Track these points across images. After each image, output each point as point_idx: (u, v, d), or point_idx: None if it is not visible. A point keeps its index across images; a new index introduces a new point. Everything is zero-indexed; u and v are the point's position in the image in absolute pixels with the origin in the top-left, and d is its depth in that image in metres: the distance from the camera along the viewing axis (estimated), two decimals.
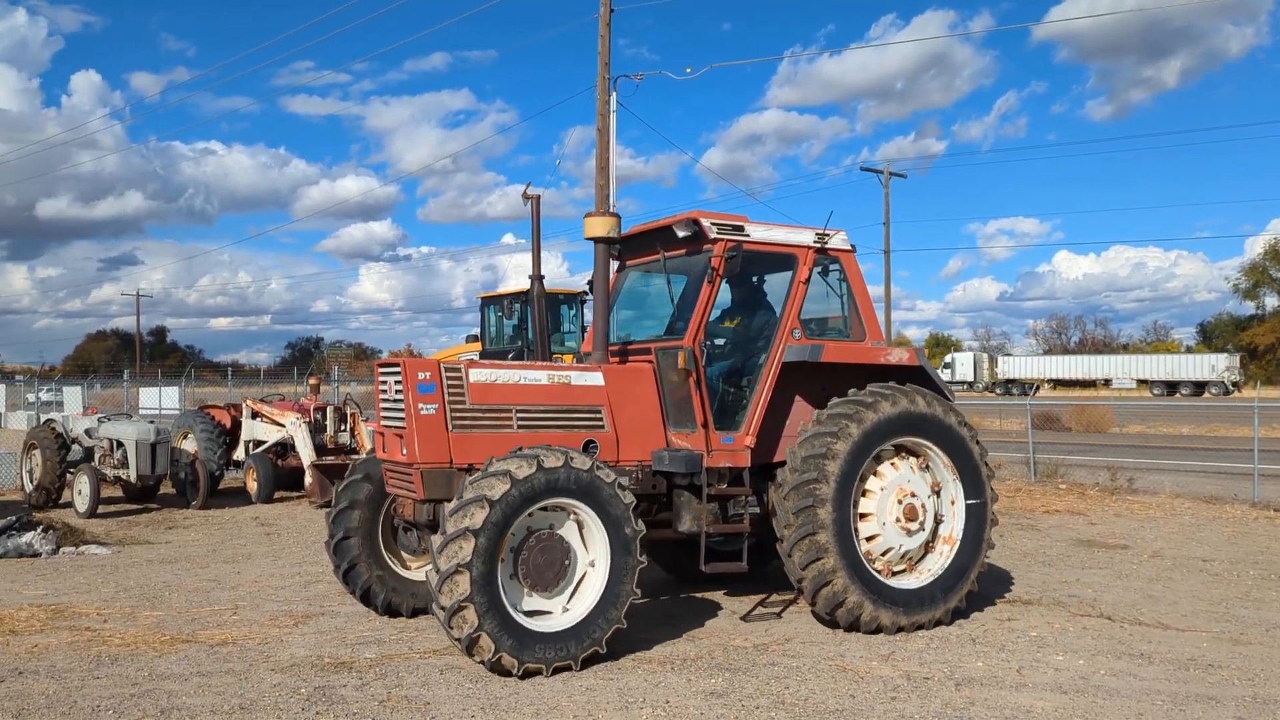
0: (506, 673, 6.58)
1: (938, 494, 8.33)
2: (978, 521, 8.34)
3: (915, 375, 8.56)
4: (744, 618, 8.46)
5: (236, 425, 18.18)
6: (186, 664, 7.12)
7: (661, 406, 8.15)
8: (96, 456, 16.09)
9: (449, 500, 6.91)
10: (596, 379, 7.96)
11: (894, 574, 8.13)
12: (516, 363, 8.09)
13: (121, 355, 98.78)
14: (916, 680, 6.78)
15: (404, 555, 8.58)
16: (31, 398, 43.90)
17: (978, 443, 8.42)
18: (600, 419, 7.89)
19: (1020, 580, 10.15)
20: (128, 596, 9.45)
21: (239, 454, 18.03)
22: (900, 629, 7.89)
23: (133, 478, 15.39)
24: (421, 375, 7.36)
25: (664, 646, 7.59)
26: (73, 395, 42.64)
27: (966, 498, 8.34)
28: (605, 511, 6.95)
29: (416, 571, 8.46)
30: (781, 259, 8.53)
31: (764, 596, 9.18)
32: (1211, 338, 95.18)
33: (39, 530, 11.92)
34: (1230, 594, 9.49)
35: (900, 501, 8.08)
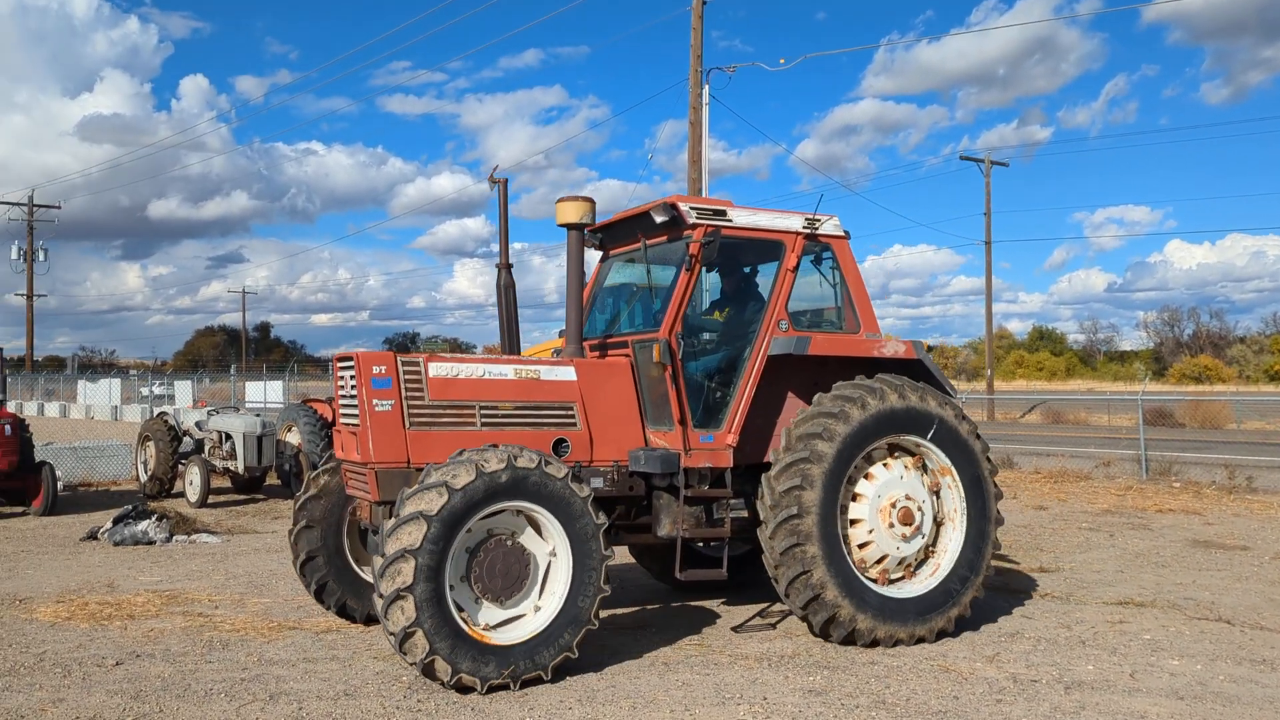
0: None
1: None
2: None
3: (913, 369, 8.09)
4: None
5: None
6: (293, 650, 7.29)
7: (640, 403, 7.69)
8: (206, 448, 16.65)
9: None
10: (568, 374, 7.51)
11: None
12: (481, 356, 7.67)
13: (228, 350, 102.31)
14: (1023, 683, 6.58)
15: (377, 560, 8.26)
16: (145, 391, 45.65)
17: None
18: (572, 416, 7.44)
19: (1132, 581, 9.79)
20: (237, 584, 9.74)
21: None
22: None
23: (240, 469, 15.89)
24: (376, 369, 6.93)
25: (759, 643, 7.52)
26: (184, 389, 44.35)
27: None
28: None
29: None
30: (768, 246, 8.04)
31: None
32: None
33: (154, 519, 12.37)
34: None
35: (894, 505, 7.55)
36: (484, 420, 7.16)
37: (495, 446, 6.49)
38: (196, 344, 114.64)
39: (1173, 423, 34.27)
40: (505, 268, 8.31)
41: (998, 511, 7.92)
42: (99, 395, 48.99)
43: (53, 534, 12.97)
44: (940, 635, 7.55)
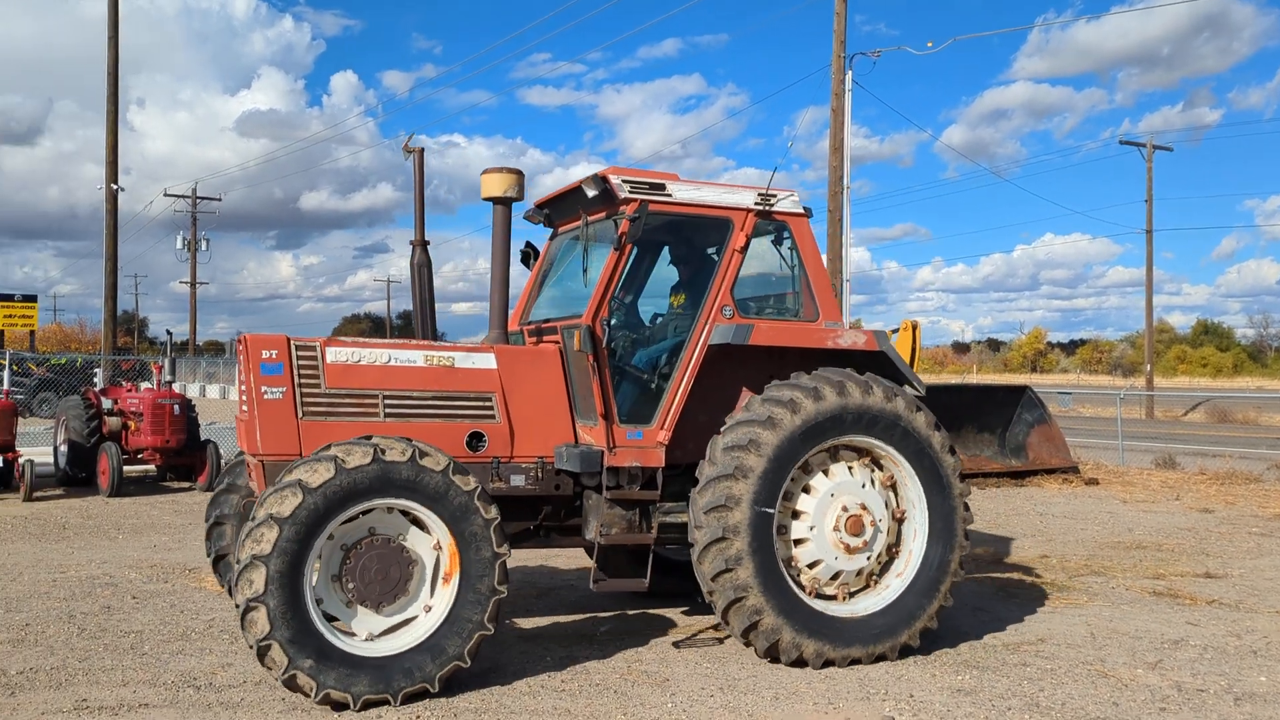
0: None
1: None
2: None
3: (876, 361, 7.33)
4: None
5: None
6: None
7: (569, 395, 7.08)
8: None
9: None
10: (487, 361, 6.91)
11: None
12: (387, 341, 7.10)
13: (374, 337, 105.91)
14: (1189, 692, 6.24)
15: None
16: None
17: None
18: (490, 408, 6.84)
19: None
20: None
21: None
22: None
23: None
24: (266, 354, 6.40)
25: None
26: None
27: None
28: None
29: None
30: (714, 224, 7.33)
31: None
32: None
33: None
34: None
35: (840, 518, 6.77)
36: (388, 411, 6.61)
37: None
38: (344, 331, 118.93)
39: None
40: (420, 245, 7.68)
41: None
42: None
43: None
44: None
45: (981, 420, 17.72)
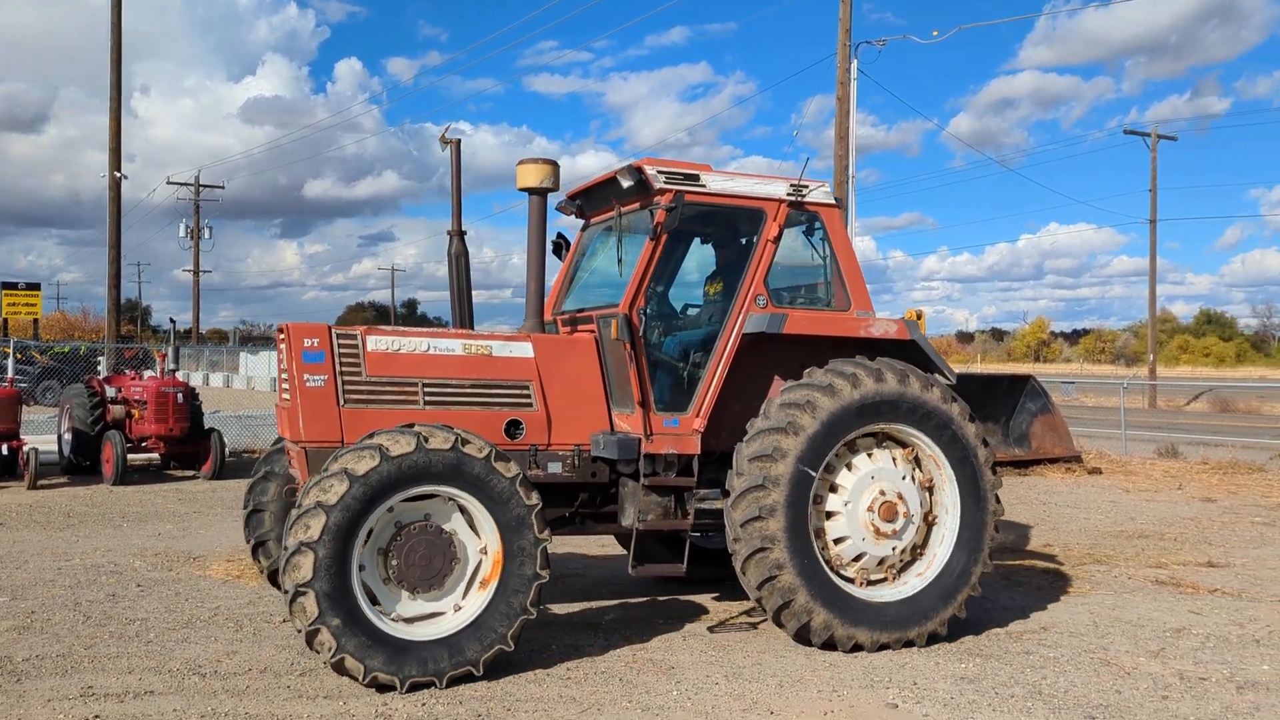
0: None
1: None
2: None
3: (907, 349, 7.41)
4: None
5: None
6: None
7: (605, 383, 7.17)
8: None
9: None
10: (525, 350, 6.98)
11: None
12: (426, 330, 7.12)
13: (378, 325, 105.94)
14: (1191, 680, 6.25)
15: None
16: None
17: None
18: (528, 396, 6.92)
19: None
20: None
21: None
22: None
23: None
24: (308, 342, 6.50)
25: None
26: None
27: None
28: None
29: None
30: (747, 214, 7.42)
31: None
32: None
33: None
34: None
35: (876, 501, 6.88)
36: (428, 399, 6.69)
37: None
38: (348, 319, 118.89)
39: None
40: (458, 235, 7.72)
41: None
42: (259, 367, 51.44)
43: (221, 497, 13.73)
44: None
45: (985, 409, 17.61)
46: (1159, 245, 43.43)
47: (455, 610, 6.07)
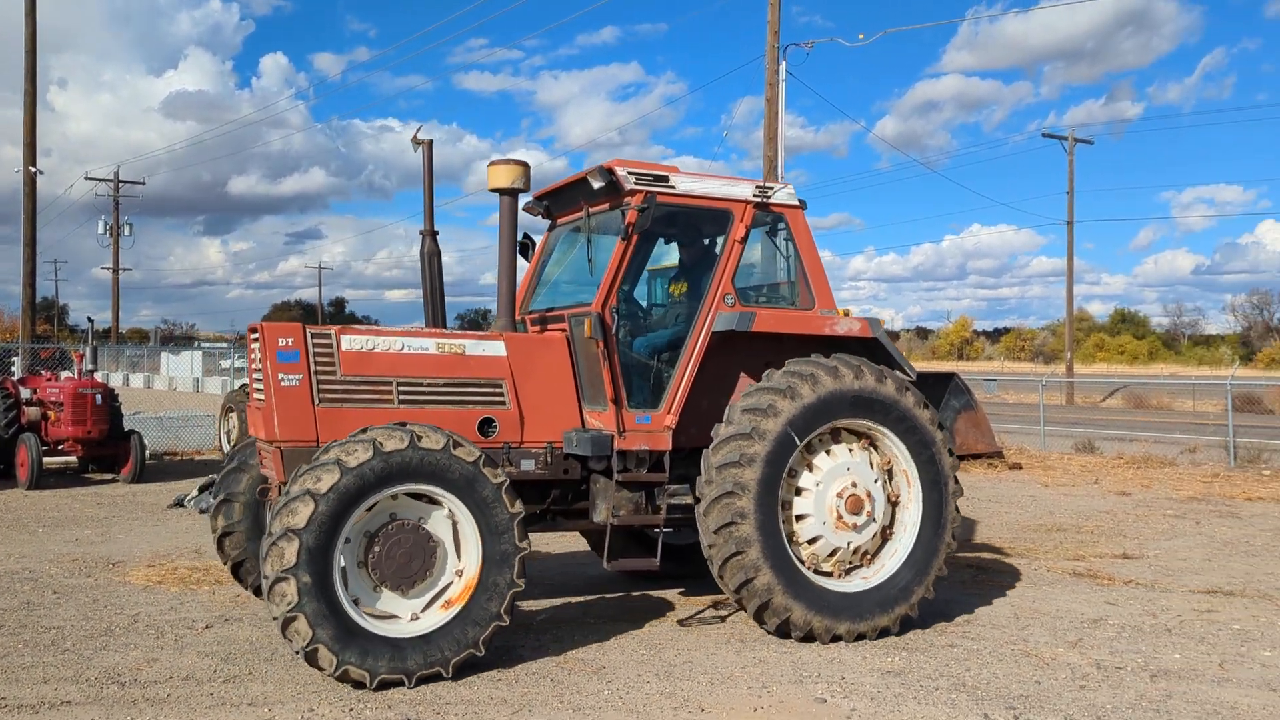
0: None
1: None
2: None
3: (868, 347, 7.67)
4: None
5: None
6: None
7: (576, 381, 7.27)
8: None
9: None
10: (497, 349, 7.06)
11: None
12: (400, 329, 7.20)
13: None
14: (1108, 670, 6.45)
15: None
16: (225, 364, 46.79)
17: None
18: (500, 394, 6.99)
19: (1220, 570, 9.53)
20: None
21: None
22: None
23: None
24: (283, 342, 6.49)
25: None
26: None
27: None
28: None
29: None
30: (715, 215, 7.58)
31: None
32: None
33: None
34: None
35: (841, 495, 7.07)
36: (402, 398, 6.73)
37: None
38: (273, 318, 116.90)
39: (1262, 409, 33.19)
40: (430, 235, 7.78)
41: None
42: (181, 367, 50.34)
43: (141, 501, 13.40)
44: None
45: None
46: (1076, 246, 44.63)
47: (428, 611, 6.12)
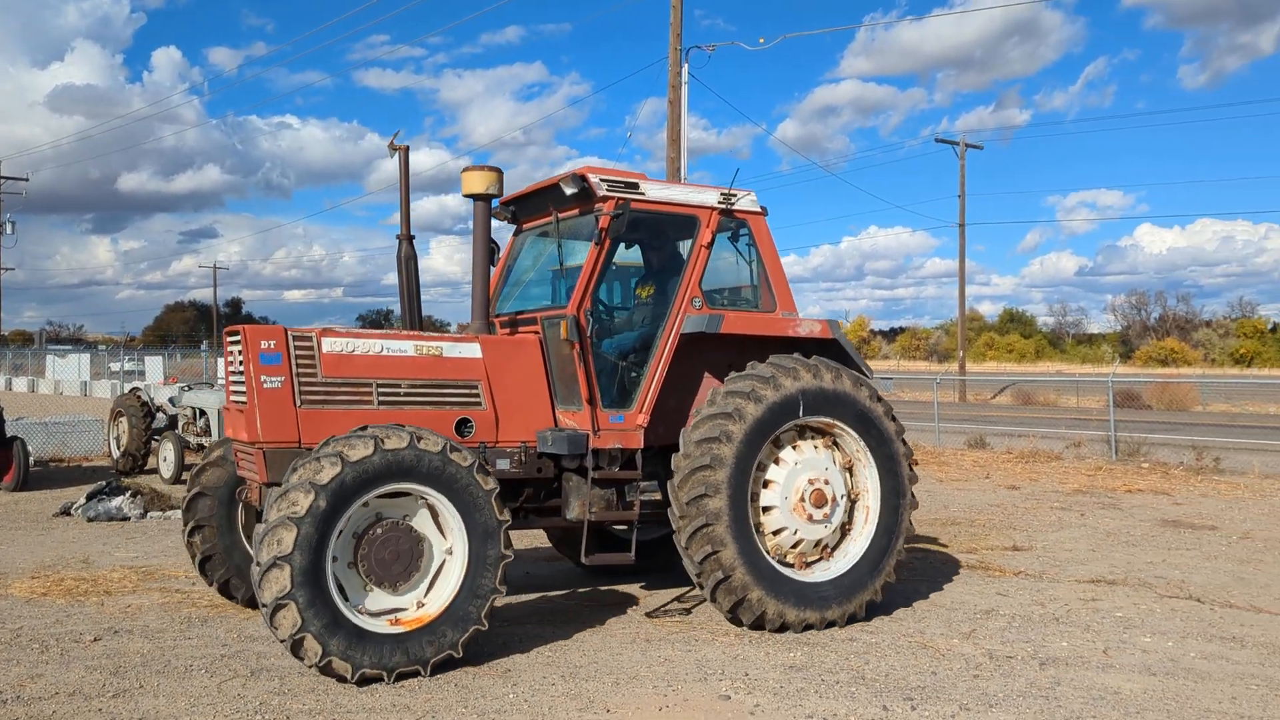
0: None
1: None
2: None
3: (829, 348, 7.97)
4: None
5: None
6: None
7: (549, 382, 7.47)
8: (180, 424, 16.52)
9: None
10: (473, 351, 7.24)
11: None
12: (378, 332, 7.30)
13: (199, 326, 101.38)
14: (999, 659, 6.67)
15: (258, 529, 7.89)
16: (115, 367, 45.19)
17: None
18: (476, 395, 7.16)
19: (1103, 560, 9.93)
20: None
21: None
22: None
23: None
24: (265, 344, 6.57)
25: None
26: (154, 365, 43.96)
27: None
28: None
29: None
30: (683, 221, 7.83)
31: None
32: None
33: (128, 495, 12.28)
34: None
35: (806, 488, 7.37)
36: (382, 399, 6.85)
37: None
38: (167, 319, 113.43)
39: (1140, 404, 34.67)
40: (406, 239, 7.88)
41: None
42: (68, 371, 48.44)
43: (25, 509, 12.86)
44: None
45: None
46: (967, 248, 45.98)
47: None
